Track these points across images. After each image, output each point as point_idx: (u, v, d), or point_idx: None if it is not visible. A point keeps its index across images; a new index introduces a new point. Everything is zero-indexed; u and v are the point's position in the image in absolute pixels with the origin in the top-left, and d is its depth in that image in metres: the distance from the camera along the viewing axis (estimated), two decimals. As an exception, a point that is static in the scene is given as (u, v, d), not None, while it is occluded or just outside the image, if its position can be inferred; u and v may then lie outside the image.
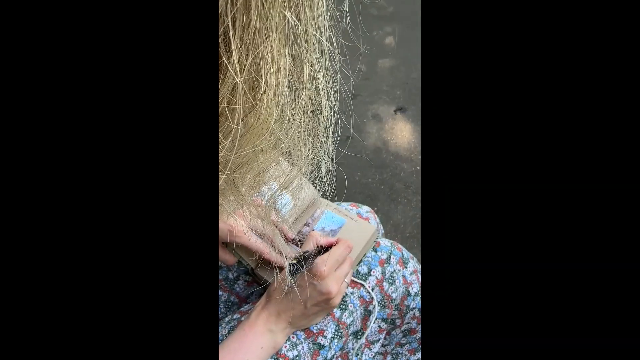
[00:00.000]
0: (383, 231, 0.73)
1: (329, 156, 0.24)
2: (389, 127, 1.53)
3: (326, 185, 0.25)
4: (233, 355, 0.44)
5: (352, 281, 0.53)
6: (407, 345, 0.65)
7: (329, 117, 0.22)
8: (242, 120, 0.18)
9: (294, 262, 0.43)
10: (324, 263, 0.46)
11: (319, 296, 0.46)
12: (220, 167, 0.20)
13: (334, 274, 0.47)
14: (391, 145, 1.45)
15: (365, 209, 0.65)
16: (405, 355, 0.66)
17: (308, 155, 0.23)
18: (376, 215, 0.67)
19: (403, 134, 1.50)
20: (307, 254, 0.46)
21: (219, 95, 0.18)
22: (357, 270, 0.54)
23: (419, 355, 0.67)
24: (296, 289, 0.46)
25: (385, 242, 0.56)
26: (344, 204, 0.64)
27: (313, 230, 0.57)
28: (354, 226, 0.56)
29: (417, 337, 0.63)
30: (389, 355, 0.65)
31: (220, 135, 0.19)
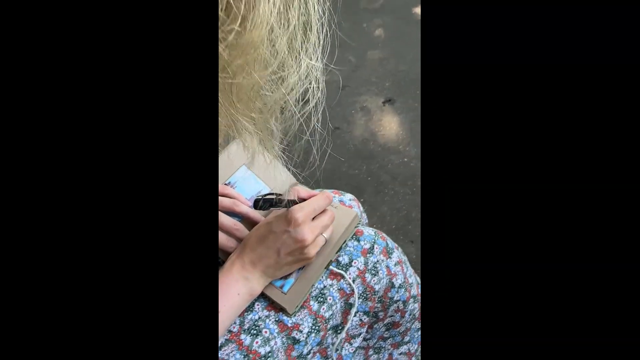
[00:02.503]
0: (367, 221, 0.70)
1: (318, 70, 0.24)
2: (377, 119, 1.50)
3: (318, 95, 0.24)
4: None
5: (332, 272, 0.50)
6: (390, 339, 0.62)
7: (319, 33, 0.23)
8: (240, 24, 0.19)
9: (261, 197, 0.42)
10: (300, 209, 0.44)
11: (293, 244, 0.44)
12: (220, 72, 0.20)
13: (309, 222, 0.45)
14: (379, 137, 1.42)
15: (348, 196, 0.62)
16: (388, 349, 0.64)
17: (298, 71, 0.23)
18: (360, 204, 0.64)
19: (391, 125, 1.47)
20: (280, 196, 0.45)
21: None
22: (338, 261, 0.51)
23: (402, 349, 0.64)
24: (271, 236, 0.44)
25: (368, 231, 0.53)
26: (326, 191, 0.61)
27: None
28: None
29: (401, 331, 0.61)
30: (371, 350, 0.63)
31: (221, 34, 0.19)
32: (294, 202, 0.46)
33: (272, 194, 0.46)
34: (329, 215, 0.48)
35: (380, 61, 1.82)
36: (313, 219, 0.46)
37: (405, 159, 1.33)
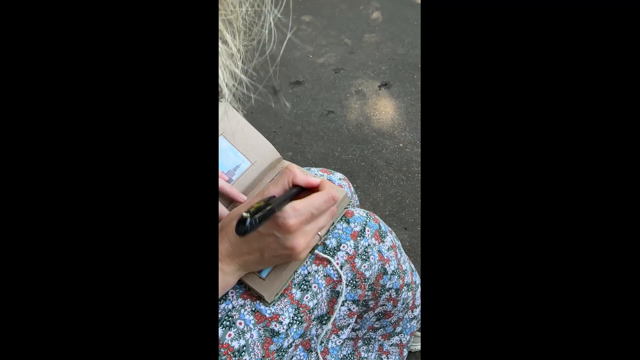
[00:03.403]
0: (358, 202, 0.65)
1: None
2: (373, 103, 1.45)
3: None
4: None
5: (318, 257, 0.45)
6: (381, 329, 0.57)
7: None
8: None
9: (248, 212, 0.31)
10: (295, 214, 0.36)
11: (281, 249, 0.38)
12: None
13: (303, 229, 0.37)
14: (374, 121, 1.37)
15: (338, 175, 0.57)
16: (379, 340, 0.59)
17: None
18: (350, 184, 0.58)
19: (387, 110, 1.41)
20: (272, 200, 0.35)
21: None
22: (325, 244, 0.45)
23: (393, 340, 0.60)
24: (254, 233, 0.37)
25: (359, 212, 0.48)
26: (314, 169, 0.56)
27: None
28: None
29: (392, 321, 0.56)
30: (360, 341, 0.58)
31: None
32: (292, 195, 0.38)
33: (264, 206, 0.33)
34: (329, 214, 0.40)
35: (377, 44, 1.76)
36: None
37: (401, 145, 1.28)
